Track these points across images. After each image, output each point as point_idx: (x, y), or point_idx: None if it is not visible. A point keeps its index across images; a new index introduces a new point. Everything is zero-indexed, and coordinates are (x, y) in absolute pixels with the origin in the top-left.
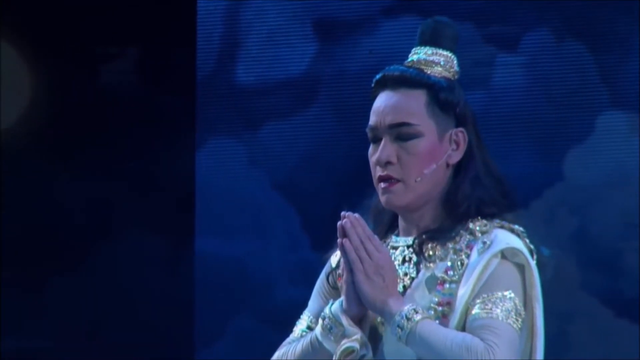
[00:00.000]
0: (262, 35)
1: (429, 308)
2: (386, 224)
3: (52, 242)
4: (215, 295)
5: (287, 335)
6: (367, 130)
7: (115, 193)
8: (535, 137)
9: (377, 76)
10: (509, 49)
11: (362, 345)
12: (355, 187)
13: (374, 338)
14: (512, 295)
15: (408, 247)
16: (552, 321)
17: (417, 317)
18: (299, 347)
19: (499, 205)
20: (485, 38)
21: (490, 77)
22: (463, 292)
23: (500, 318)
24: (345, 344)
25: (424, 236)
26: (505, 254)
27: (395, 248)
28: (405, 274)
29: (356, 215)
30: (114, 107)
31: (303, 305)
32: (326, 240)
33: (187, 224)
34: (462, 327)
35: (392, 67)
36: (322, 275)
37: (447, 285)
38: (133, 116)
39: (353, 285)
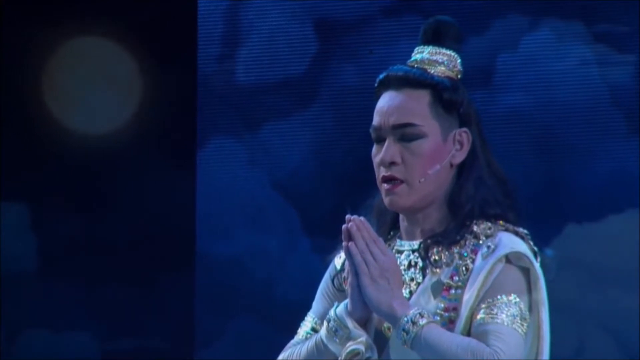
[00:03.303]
0: (262, 35)
1: (435, 314)
2: (389, 224)
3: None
4: (215, 295)
5: (287, 335)
6: (371, 130)
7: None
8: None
9: (381, 76)
10: (509, 49)
11: (368, 347)
12: (356, 187)
13: (379, 341)
14: (517, 299)
15: (413, 251)
16: None
17: (423, 321)
18: (303, 349)
19: (503, 205)
20: (485, 38)
21: (490, 76)
22: (468, 297)
23: (505, 323)
24: (351, 346)
25: (429, 241)
26: (510, 258)
27: (400, 252)
28: (412, 279)
29: (361, 218)
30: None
31: (303, 305)
32: (326, 240)
33: (187, 223)
34: (468, 332)
35: (395, 67)
36: (327, 277)
37: (452, 291)
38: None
39: (358, 288)
